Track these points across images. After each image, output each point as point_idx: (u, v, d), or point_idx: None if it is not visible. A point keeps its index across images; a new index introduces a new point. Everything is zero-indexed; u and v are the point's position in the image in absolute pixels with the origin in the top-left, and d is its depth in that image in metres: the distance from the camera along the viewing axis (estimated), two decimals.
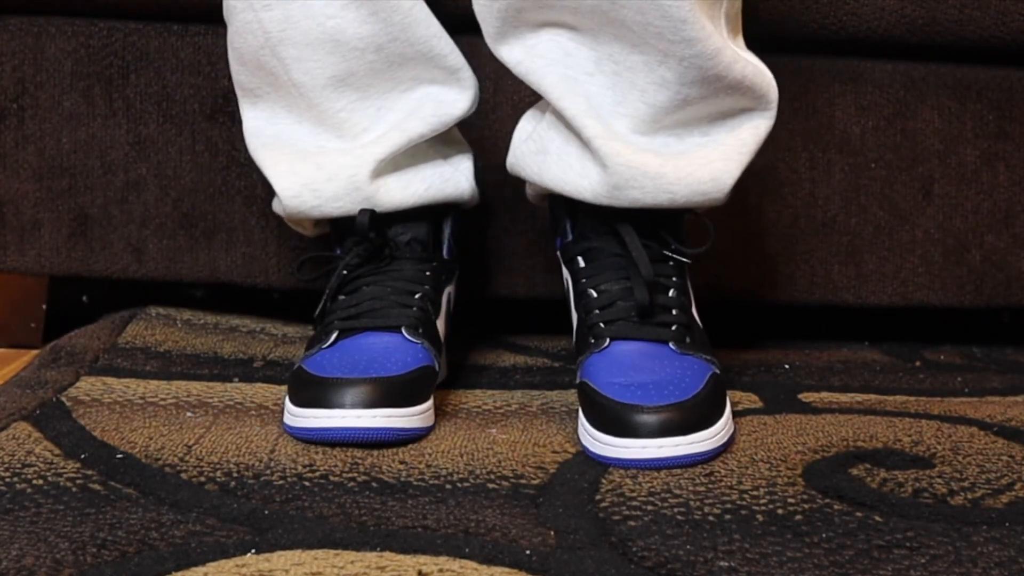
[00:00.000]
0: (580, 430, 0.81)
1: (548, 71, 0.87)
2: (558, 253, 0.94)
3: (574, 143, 0.89)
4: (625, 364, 0.82)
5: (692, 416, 0.78)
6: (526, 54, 0.88)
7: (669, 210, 0.88)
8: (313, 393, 0.81)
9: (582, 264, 0.90)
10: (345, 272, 0.91)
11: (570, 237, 0.93)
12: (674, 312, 0.87)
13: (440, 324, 0.94)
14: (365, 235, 0.90)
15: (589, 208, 0.89)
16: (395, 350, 0.85)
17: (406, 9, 0.89)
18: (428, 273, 0.93)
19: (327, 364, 0.84)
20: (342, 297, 0.91)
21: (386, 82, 0.92)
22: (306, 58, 0.89)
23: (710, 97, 0.86)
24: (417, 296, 0.91)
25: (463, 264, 1.02)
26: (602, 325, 0.86)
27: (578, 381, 0.84)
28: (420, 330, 0.88)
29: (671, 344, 0.85)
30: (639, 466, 0.76)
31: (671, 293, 0.88)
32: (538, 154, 0.91)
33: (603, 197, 0.87)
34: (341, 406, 0.79)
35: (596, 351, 0.84)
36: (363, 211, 0.91)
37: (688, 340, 0.86)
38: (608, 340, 0.85)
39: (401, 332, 0.87)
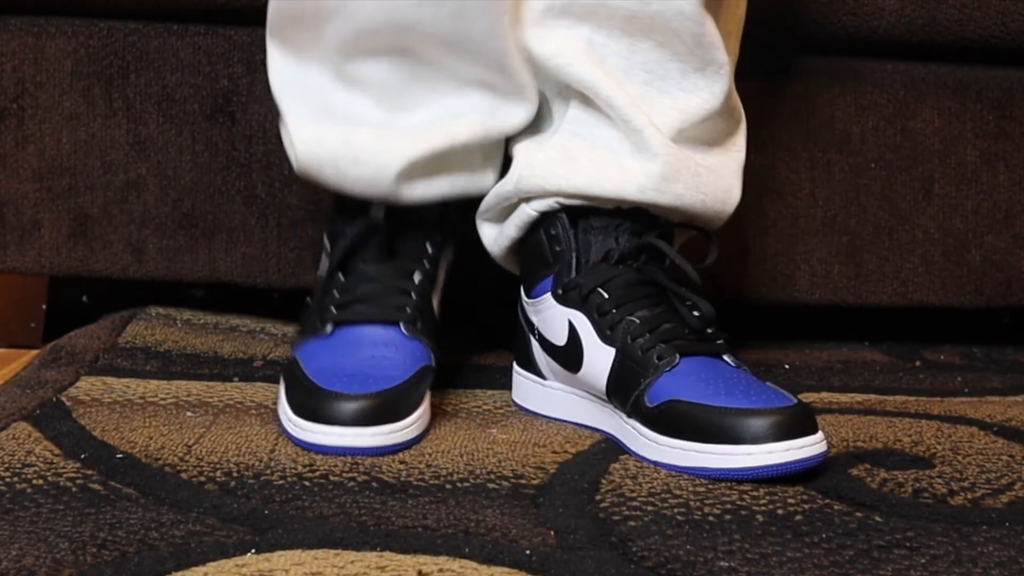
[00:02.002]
0: (713, 456, 0.77)
1: (589, 66, 0.86)
2: (552, 295, 0.89)
3: (610, 140, 0.87)
4: (710, 376, 0.81)
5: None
6: (562, 48, 0.86)
7: (664, 230, 0.89)
8: (313, 404, 0.79)
9: (606, 295, 0.85)
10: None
11: (574, 274, 0.88)
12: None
13: (436, 299, 0.93)
14: (376, 229, 0.89)
15: (596, 235, 0.88)
16: (394, 349, 0.85)
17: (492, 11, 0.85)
18: (429, 248, 0.92)
19: (326, 369, 0.82)
20: (340, 275, 0.89)
21: (444, 70, 0.88)
22: (374, 19, 0.84)
23: (724, 113, 0.90)
24: (416, 277, 0.90)
25: (463, 265, 1.02)
26: (663, 345, 0.82)
27: (659, 404, 0.79)
28: (418, 324, 0.88)
29: (725, 357, 0.84)
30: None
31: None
32: (563, 160, 0.88)
33: (650, 190, 0.86)
34: (341, 423, 0.78)
35: (667, 370, 0.80)
36: (377, 207, 0.89)
37: (733, 353, 0.85)
38: (677, 356, 0.81)
39: (399, 327, 0.87)
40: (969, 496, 0.73)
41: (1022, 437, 0.87)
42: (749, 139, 1.15)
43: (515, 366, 0.95)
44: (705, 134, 0.90)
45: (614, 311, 0.85)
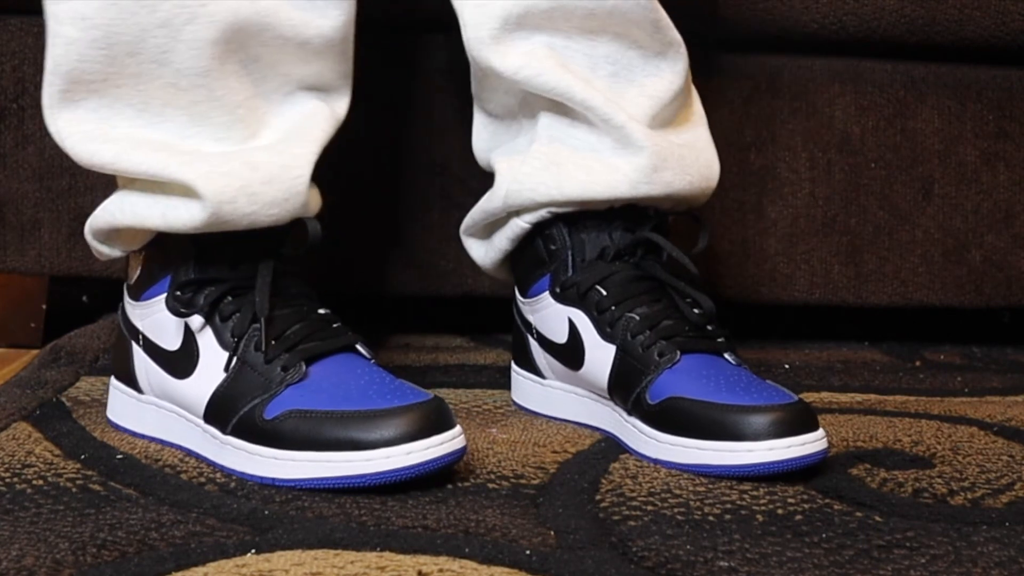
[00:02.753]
0: (702, 452, 0.76)
1: (557, 72, 0.85)
2: (549, 294, 0.88)
3: (590, 141, 0.87)
4: (711, 374, 0.80)
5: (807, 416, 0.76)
6: (526, 59, 0.86)
7: (659, 215, 0.89)
8: (382, 429, 0.71)
9: (604, 292, 0.85)
10: (257, 297, 0.78)
11: (571, 272, 0.88)
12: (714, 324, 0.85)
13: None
14: (314, 247, 0.80)
15: (590, 232, 0.87)
16: (375, 373, 0.78)
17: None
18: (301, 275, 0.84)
19: (348, 398, 0.74)
20: (255, 325, 0.77)
21: (279, 78, 0.81)
22: (225, 40, 0.77)
23: (686, 90, 0.91)
24: (318, 303, 0.82)
25: (464, 264, 1.02)
26: (664, 342, 0.81)
27: (660, 401, 0.79)
28: (362, 341, 0.81)
29: (726, 355, 0.83)
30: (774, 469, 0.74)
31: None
32: (548, 168, 0.87)
33: (642, 184, 0.86)
34: (412, 437, 0.71)
35: (668, 367, 0.80)
36: (312, 220, 0.80)
37: (733, 351, 0.84)
38: (678, 353, 0.81)
39: (357, 349, 0.79)
40: (969, 496, 0.73)
41: (1022, 437, 0.87)
42: (749, 139, 1.15)
43: (513, 365, 0.95)
44: (674, 114, 0.90)
45: (613, 308, 0.84)
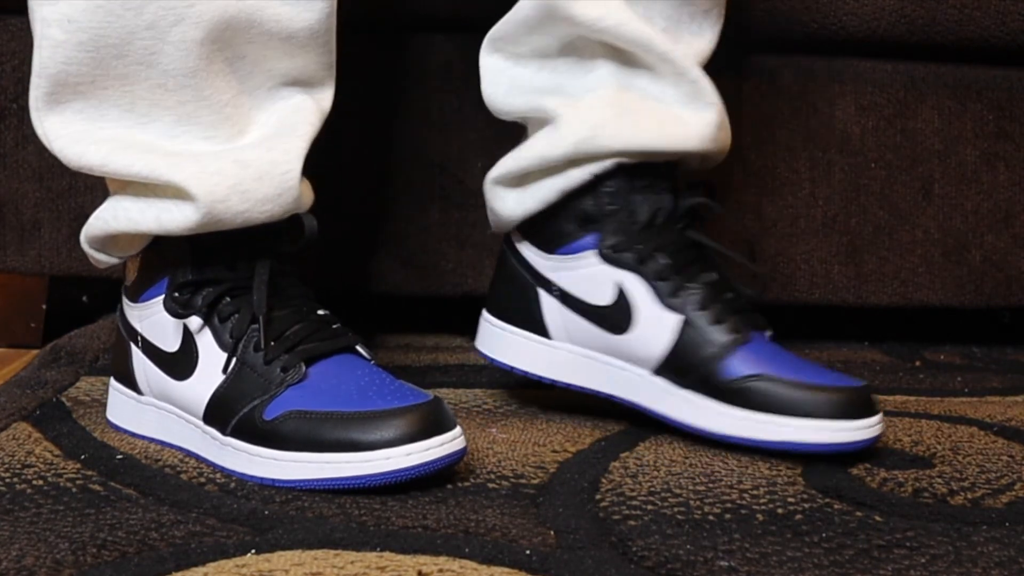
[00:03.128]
0: (794, 430, 0.78)
1: (637, 23, 0.85)
2: (597, 254, 0.86)
3: (659, 93, 0.87)
4: (782, 354, 0.83)
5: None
6: (605, 10, 0.84)
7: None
8: (382, 430, 0.71)
9: (667, 260, 0.84)
10: (255, 296, 0.78)
11: (625, 235, 0.85)
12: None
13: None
14: (311, 243, 0.80)
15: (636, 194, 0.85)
16: (375, 374, 0.77)
17: None
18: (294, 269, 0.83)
19: (345, 395, 0.74)
20: (254, 326, 0.77)
21: (264, 74, 0.81)
22: (216, 20, 0.76)
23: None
24: (317, 304, 0.82)
25: (464, 263, 1.02)
26: (735, 317, 0.82)
27: (744, 375, 0.80)
28: (362, 342, 0.81)
29: (766, 333, 0.85)
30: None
31: None
32: (623, 116, 0.85)
33: (708, 140, 0.87)
34: (412, 438, 0.71)
35: (743, 344, 0.81)
36: (308, 216, 0.80)
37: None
38: (751, 332, 0.83)
39: (356, 350, 0.79)
40: (969, 496, 0.73)
41: (1022, 437, 0.87)
42: (749, 139, 1.15)
43: (493, 318, 0.91)
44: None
45: (676, 277, 0.84)
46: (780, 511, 0.70)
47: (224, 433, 0.75)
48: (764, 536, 0.66)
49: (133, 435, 0.82)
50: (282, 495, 0.70)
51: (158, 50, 0.75)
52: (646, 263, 0.84)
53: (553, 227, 0.88)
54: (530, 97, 0.89)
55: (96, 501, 0.68)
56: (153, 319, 0.81)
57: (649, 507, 0.70)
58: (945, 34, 1.13)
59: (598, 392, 0.87)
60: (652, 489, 0.73)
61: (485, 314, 0.93)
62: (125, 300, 0.84)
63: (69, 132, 0.77)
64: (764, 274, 0.82)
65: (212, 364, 0.77)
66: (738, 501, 0.71)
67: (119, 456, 0.77)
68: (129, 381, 0.84)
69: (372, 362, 0.79)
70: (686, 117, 0.87)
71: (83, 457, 0.76)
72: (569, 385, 0.87)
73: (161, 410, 0.81)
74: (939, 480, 0.76)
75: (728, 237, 1.15)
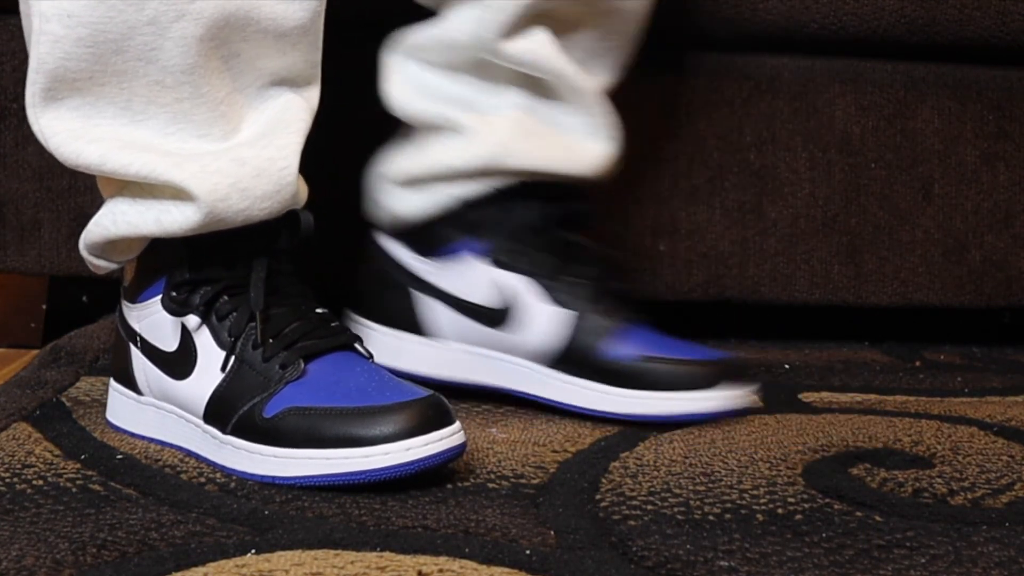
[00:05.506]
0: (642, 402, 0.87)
1: (555, 53, 0.90)
2: (484, 258, 0.91)
3: (566, 122, 0.93)
4: (663, 337, 0.91)
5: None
6: (530, 44, 0.89)
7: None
8: (383, 424, 0.71)
9: (553, 259, 0.91)
10: (252, 294, 0.78)
11: (510, 239, 0.91)
12: None
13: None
14: (308, 240, 0.80)
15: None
16: (374, 371, 0.77)
17: None
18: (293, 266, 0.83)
19: (348, 394, 0.74)
20: (252, 323, 0.77)
21: (255, 72, 0.80)
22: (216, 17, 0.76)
23: None
24: (315, 302, 0.82)
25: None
26: (620, 309, 0.90)
27: (634, 358, 0.88)
28: (360, 340, 0.81)
29: None
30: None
31: None
32: (530, 137, 0.91)
33: (601, 168, 0.94)
34: (411, 433, 0.71)
35: (630, 330, 0.89)
36: (305, 212, 0.80)
37: None
38: (635, 320, 0.90)
39: (355, 348, 0.79)
40: (969, 496, 0.73)
41: (1022, 437, 0.87)
42: (749, 139, 1.15)
43: (359, 317, 0.96)
44: None
45: (564, 276, 0.90)
46: (780, 511, 0.70)
47: (224, 432, 0.75)
48: (764, 536, 0.66)
49: (133, 435, 0.82)
50: (282, 495, 0.70)
51: (158, 46, 0.75)
52: (537, 266, 0.90)
53: (433, 231, 0.93)
54: (438, 105, 0.93)
55: (96, 501, 0.68)
56: (152, 319, 0.81)
57: (649, 507, 0.70)
58: (945, 34, 1.13)
59: (487, 386, 0.91)
60: (652, 489, 0.73)
61: (352, 315, 0.95)
62: (124, 301, 0.84)
63: (66, 129, 0.77)
64: (636, 270, 0.94)
65: (211, 363, 0.77)
66: (738, 501, 0.71)
67: (119, 456, 0.77)
68: (129, 382, 0.83)
69: (371, 360, 0.79)
70: (587, 147, 0.93)
71: (83, 457, 0.76)
72: (456, 382, 0.91)
73: (161, 410, 0.81)
74: (939, 480, 0.76)
75: (724, 239, 1.15)
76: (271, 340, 0.76)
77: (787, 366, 1.10)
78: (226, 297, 0.78)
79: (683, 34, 1.13)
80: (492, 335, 0.90)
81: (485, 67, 0.92)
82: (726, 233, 1.15)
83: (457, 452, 0.73)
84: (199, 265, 0.79)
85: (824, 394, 1.00)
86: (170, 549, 0.61)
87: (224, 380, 0.76)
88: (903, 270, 1.17)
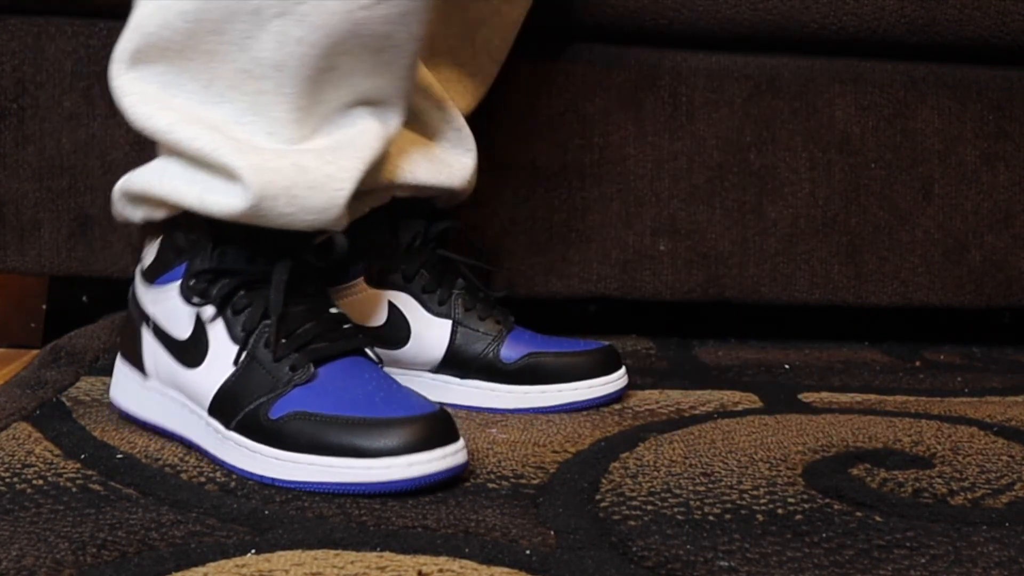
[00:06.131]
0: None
1: (426, 71, 0.96)
2: (366, 280, 0.95)
3: (434, 135, 0.97)
4: (540, 336, 0.97)
5: None
6: None
7: None
8: (389, 435, 0.71)
9: (429, 276, 0.96)
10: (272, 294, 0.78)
11: (391, 258, 0.95)
12: None
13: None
14: (338, 263, 0.81)
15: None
16: (383, 379, 0.77)
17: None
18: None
19: (355, 403, 0.74)
20: (266, 322, 0.77)
21: (347, 88, 0.80)
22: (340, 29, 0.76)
23: None
24: (330, 302, 0.82)
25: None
26: (498, 311, 0.96)
27: (520, 357, 0.93)
28: (371, 345, 0.81)
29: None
30: None
31: None
32: (400, 154, 0.92)
33: (467, 182, 0.98)
34: (414, 448, 0.71)
35: (508, 332, 0.95)
36: (341, 236, 0.79)
37: None
38: (512, 319, 0.97)
39: (366, 353, 0.79)
40: (969, 496, 0.73)
41: (1022, 437, 0.87)
42: (749, 139, 1.15)
43: None
44: None
45: (440, 289, 0.95)
46: (780, 511, 0.70)
47: (227, 427, 0.75)
48: (764, 536, 0.66)
49: (133, 417, 0.82)
50: (282, 495, 0.70)
51: (254, 36, 0.75)
52: (412, 280, 0.95)
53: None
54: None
55: (96, 501, 0.68)
56: (167, 304, 0.80)
57: (649, 507, 0.70)
58: (945, 34, 1.13)
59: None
60: (652, 489, 0.73)
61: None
62: (140, 281, 0.83)
63: (143, 92, 0.77)
64: (500, 271, 1.00)
65: (222, 356, 0.77)
66: (738, 501, 0.71)
67: (119, 456, 0.77)
68: (136, 362, 0.83)
69: (380, 366, 0.79)
70: (451, 160, 0.97)
71: (83, 457, 0.76)
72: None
73: (165, 396, 0.81)
74: (939, 480, 0.76)
75: (724, 239, 1.15)
76: (283, 340, 0.76)
77: (787, 366, 1.10)
78: (244, 292, 0.78)
79: (683, 34, 1.13)
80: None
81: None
82: (726, 233, 1.15)
83: (459, 471, 0.72)
84: (222, 256, 0.78)
85: (824, 394, 1.00)
86: (170, 549, 0.61)
87: (233, 375, 0.76)
88: (903, 270, 1.17)
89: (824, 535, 0.66)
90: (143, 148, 1.10)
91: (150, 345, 0.82)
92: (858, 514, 0.69)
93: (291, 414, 0.73)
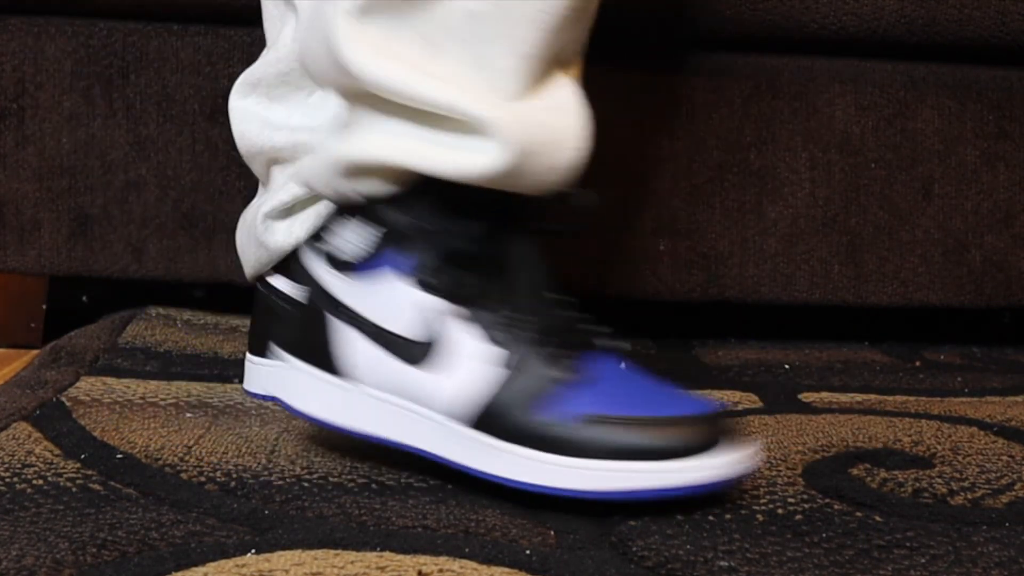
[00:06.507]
0: None
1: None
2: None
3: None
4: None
5: None
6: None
7: None
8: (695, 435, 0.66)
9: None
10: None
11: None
12: None
13: None
14: (583, 224, 0.75)
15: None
16: (641, 373, 0.72)
17: None
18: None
19: (629, 396, 0.68)
20: (519, 316, 0.69)
21: (563, 36, 0.74)
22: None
23: None
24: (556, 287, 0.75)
25: None
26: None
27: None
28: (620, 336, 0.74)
29: None
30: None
31: None
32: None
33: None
34: (738, 441, 0.67)
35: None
36: (586, 191, 0.72)
37: None
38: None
39: (613, 344, 0.72)
40: (969, 496, 0.73)
41: (1022, 437, 0.87)
42: (749, 139, 1.15)
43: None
44: None
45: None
46: (780, 511, 0.69)
47: (490, 434, 0.68)
48: (764, 536, 0.65)
49: (329, 426, 0.74)
50: (282, 495, 0.70)
51: None
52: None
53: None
54: (286, 134, 0.90)
55: (96, 501, 0.68)
56: (382, 296, 0.71)
57: (649, 507, 0.70)
58: (945, 34, 1.13)
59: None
60: None
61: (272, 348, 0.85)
62: (327, 268, 0.74)
63: (373, 43, 0.69)
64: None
65: (469, 355, 0.69)
66: (738, 501, 0.71)
67: (119, 455, 0.77)
68: (323, 361, 0.73)
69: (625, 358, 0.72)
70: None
71: (83, 457, 0.76)
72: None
73: (380, 400, 0.72)
74: (939, 480, 0.76)
75: (724, 239, 1.15)
76: (538, 335, 0.69)
77: (787, 366, 1.10)
78: (484, 279, 0.70)
79: (683, 34, 1.13)
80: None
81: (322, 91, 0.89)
82: (726, 233, 1.15)
83: (756, 467, 0.68)
84: (452, 238, 0.71)
85: (824, 394, 1.00)
86: (170, 549, 0.61)
87: (487, 377, 0.69)
88: (903, 270, 1.17)
89: (824, 535, 0.66)
90: (143, 148, 1.11)
91: (351, 341, 0.73)
92: (858, 514, 0.69)
93: (575, 416, 0.67)
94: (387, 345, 0.71)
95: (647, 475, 0.65)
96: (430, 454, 0.71)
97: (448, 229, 0.70)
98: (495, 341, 0.69)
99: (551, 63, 0.72)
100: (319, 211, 0.89)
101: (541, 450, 0.67)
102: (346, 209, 0.74)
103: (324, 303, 0.74)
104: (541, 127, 0.70)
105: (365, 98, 0.72)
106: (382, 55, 0.69)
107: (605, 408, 0.66)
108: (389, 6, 0.69)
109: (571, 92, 0.74)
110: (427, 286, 0.70)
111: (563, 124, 0.72)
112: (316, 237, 0.77)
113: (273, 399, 0.90)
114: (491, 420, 0.68)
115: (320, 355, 0.74)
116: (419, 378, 0.70)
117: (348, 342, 0.73)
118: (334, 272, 0.74)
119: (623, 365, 0.70)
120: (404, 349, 0.71)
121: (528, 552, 0.62)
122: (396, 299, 0.71)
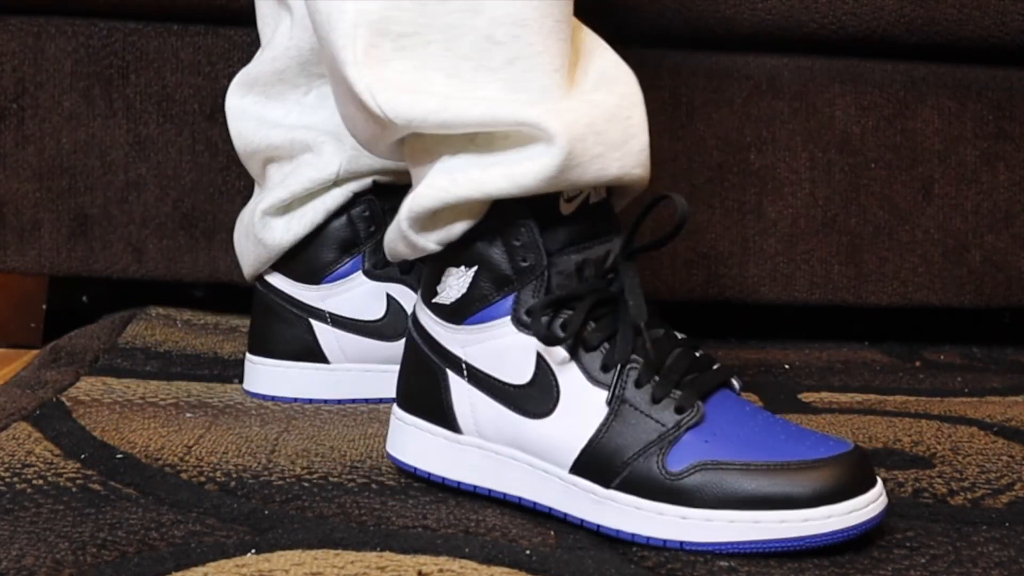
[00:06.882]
0: None
1: None
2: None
3: None
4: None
5: None
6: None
7: None
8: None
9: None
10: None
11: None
12: None
13: None
14: (679, 231, 0.68)
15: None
16: (765, 414, 0.68)
17: None
18: None
19: (757, 440, 0.64)
20: (634, 356, 0.66)
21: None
22: None
23: None
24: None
25: None
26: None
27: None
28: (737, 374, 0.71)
29: None
30: None
31: None
32: None
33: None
34: (868, 486, 0.63)
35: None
36: (678, 197, 0.68)
37: None
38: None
39: (731, 382, 0.69)
40: (969, 496, 0.73)
41: (1022, 437, 0.87)
42: (749, 139, 1.15)
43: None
44: None
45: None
46: None
47: (607, 487, 0.64)
48: None
49: (447, 482, 0.71)
50: (282, 495, 0.70)
51: None
52: (410, 272, 0.79)
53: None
54: (283, 131, 0.91)
55: (96, 501, 0.68)
56: (493, 344, 0.69)
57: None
58: (945, 34, 1.13)
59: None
60: None
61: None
62: (435, 321, 0.71)
63: (398, 81, 0.67)
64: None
65: (581, 401, 0.66)
66: None
67: (119, 456, 0.77)
68: (443, 418, 0.71)
69: (741, 395, 0.69)
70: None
71: (83, 457, 0.76)
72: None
73: (490, 452, 0.69)
74: (939, 480, 0.76)
75: (724, 239, 1.15)
76: (656, 376, 0.66)
77: (787, 366, 1.10)
78: (594, 323, 0.67)
79: (683, 34, 1.13)
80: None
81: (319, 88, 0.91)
82: (726, 233, 1.15)
83: (886, 513, 0.64)
84: (555, 278, 0.68)
85: (824, 394, 1.00)
86: (170, 549, 0.61)
87: (603, 424, 0.65)
88: (903, 270, 1.17)
89: None
90: (143, 148, 1.10)
91: (465, 395, 0.70)
92: None
93: (694, 464, 0.63)
94: (499, 396, 0.69)
95: (771, 526, 0.62)
96: (540, 506, 0.68)
97: (544, 263, 0.68)
98: (600, 383, 0.66)
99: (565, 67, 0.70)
100: (316, 207, 0.91)
101: (653, 499, 0.64)
102: (439, 260, 0.72)
103: (435, 354, 0.72)
104: (593, 108, 0.68)
105: (412, 150, 0.71)
106: (408, 91, 0.67)
107: (722, 455, 0.63)
108: (400, 46, 0.67)
109: (606, 63, 0.72)
110: (526, 326, 0.68)
111: (615, 100, 0.69)
112: (424, 294, 0.73)
113: (272, 398, 0.91)
114: (593, 466, 0.65)
115: (435, 411, 0.72)
116: (534, 428, 0.67)
117: (460, 394, 0.70)
118: (444, 322, 0.71)
119: (748, 408, 0.67)
120: (516, 399, 0.68)
121: (528, 552, 0.62)
122: (504, 344, 0.69)
